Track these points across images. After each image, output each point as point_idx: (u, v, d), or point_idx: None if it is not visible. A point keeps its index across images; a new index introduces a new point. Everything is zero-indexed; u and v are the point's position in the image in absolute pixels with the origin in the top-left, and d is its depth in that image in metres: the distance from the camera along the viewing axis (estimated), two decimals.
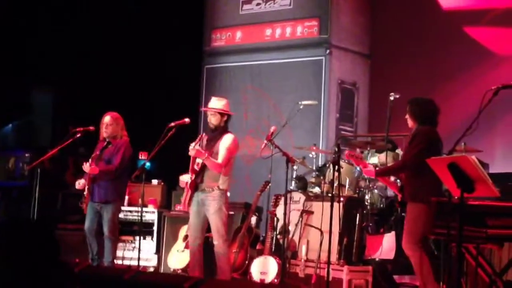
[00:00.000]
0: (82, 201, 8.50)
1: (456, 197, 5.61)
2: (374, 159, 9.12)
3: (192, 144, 7.67)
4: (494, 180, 5.57)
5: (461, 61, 11.00)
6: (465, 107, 9.65)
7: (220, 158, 7.74)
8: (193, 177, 7.76)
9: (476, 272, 6.46)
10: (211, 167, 7.71)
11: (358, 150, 9.08)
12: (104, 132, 8.49)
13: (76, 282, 5.40)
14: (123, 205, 9.69)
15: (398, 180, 7.79)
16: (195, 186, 7.79)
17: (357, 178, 8.79)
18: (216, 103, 7.96)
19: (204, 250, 7.97)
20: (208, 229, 7.90)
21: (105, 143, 8.47)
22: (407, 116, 7.11)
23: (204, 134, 8.06)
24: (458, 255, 5.55)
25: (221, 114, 7.90)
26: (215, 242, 7.77)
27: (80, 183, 8.46)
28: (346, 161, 8.63)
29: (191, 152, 7.68)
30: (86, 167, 8.27)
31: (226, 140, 7.82)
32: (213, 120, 7.89)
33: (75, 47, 12.10)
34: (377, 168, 7.35)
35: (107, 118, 8.51)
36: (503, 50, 10.69)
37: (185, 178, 7.87)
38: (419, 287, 6.91)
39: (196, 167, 7.75)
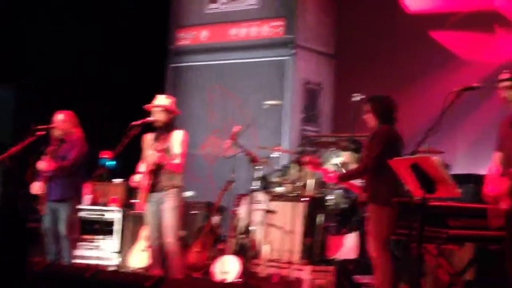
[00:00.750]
0: (39, 202, 8.42)
1: (417, 198, 5.63)
2: (337, 160, 9.14)
3: (150, 151, 7.56)
4: (456, 181, 5.61)
5: (425, 63, 11.07)
6: (428, 108, 9.71)
7: (177, 157, 7.65)
8: (148, 178, 7.65)
9: (436, 272, 6.51)
10: (172, 168, 7.63)
11: (316, 155, 9.07)
12: (57, 131, 8.43)
13: (36, 280, 5.35)
14: (81, 203, 9.62)
15: (359, 181, 7.81)
16: (151, 187, 7.69)
17: (320, 178, 8.79)
18: (162, 100, 7.85)
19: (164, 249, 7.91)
20: None
21: (59, 141, 8.41)
22: (366, 116, 7.08)
23: (146, 135, 7.90)
24: (419, 256, 5.57)
25: (167, 112, 7.77)
26: (168, 240, 7.64)
27: (35, 188, 8.37)
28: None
29: (154, 158, 7.56)
30: (42, 164, 8.19)
31: (177, 137, 7.70)
32: (160, 116, 7.71)
33: (38, 44, 11.98)
34: (338, 173, 7.35)
35: (59, 116, 8.45)
36: (465, 53, 10.78)
37: (139, 179, 7.76)
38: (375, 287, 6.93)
39: (152, 168, 7.64)
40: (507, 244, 5.61)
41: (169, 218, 7.64)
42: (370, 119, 7.01)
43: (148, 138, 7.77)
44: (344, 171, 8.73)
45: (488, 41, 10.52)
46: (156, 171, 7.63)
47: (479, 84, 5.72)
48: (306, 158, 7.24)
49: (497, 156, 5.77)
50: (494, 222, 5.62)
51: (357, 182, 7.63)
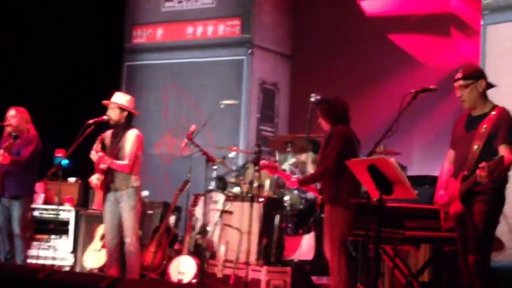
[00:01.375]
0: None
1: (374, 199, 5.65)
2: (294, 160, 9.15)
3: (93, 151, 7.50)
4: (412, 183, 5.64)
5: (382, 64, 11.14)
6: (384, 109, 9.75)
7: (127, 158, 7.58)
8: (102, 177, 7.58)
9: (393, 273, 6.55)
10: (119, 169, 7.56)
11: (272, 159, 9.06)
12: (9, 126, 8.33)
13: None
14: (36, 202, 9.51)
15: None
16: (106, 186, 7.63)
17: (277, 179, 8.79)
18: (118, 98, 7.77)
19: (121, 249, 7.84)
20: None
21: (12, 137, 8.32)
22: (319, 120, 7.11)
23: (105, 133, 7.82)
24: (376, 256, 5.59)
25: (121, 110, 7.69)
26: (127, 240, 7.60)
27: None
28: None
29: (93, 158, 7.51)
30: None
31: (130, 137, 7.64)
32: (112, 114, 7.65)
33: None
34: (299, 177, 7.36)
35: (11, 112, 8.40)
36: (422, 55, 10.87)
37: (95, 179, 7.68)
38: None
39: (103, 167, 7.57)
40: (458, 246, 5.65)
41: (127, 218, 7.59)
42: (323, 123, 7.06)
43: (100, 138, 7.67)
44: (298, 171, 8.75)
45: (444, 44, 10.62)
46: (110, 171, 7.56)
47: (435, 86, 5.76)
48: (264, 163, 7.23)
49: (450, 155, 5.81)
50: (445, 224, 5.66)
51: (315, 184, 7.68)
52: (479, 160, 5.29)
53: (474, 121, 5.61)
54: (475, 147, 5.44)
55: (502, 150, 5.39)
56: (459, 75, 5.64)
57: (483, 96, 5.63)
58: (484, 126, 5.48)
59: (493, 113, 5.53)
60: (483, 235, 5.42)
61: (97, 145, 7.56)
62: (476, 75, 5.64)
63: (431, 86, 5.67)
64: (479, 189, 5.37)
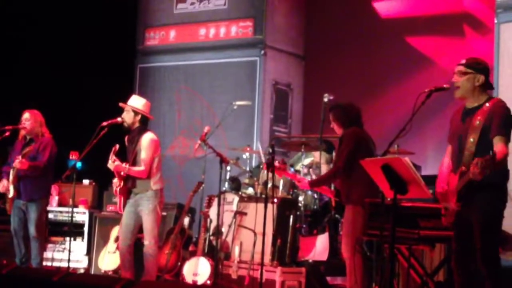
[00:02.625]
0: (4, 201, 8.36)
1: (389, 199, 5.62)
2: (307, 160, 9.13)
3: (110, 161, 7.53)
4: (427, 182, 5.60)
5: (395, 63, 11.11)
6: (398, 109, 9.74)
7: (143, 163, 7.60)
8: (122, 183, 7.62)
9: (408, 273, 6.53)
10: (136, 175, 7.59)
11: (281, 160, 9.03)
12: (23, 129, 8.36)
13: (2, 284, 5.26)
14: (50, 205, 9.54)
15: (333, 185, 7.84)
16: (127, 192, 7.67)
17: (291, 179, 8.78)
18: (134, 101, 7.80)
19: (136, 251, 7.85)
20: (140, 230, 7.77)
21: (26, 140, 8.35)
22: (332, 125, 7.14)
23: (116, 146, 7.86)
24: (391, 256, 5.56)
25: (135, 113, 7.72)
26: (146, 242, 7.65)
27: (1, 186, 8.30)
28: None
29: (111, 167, 7.55)
30: (16, 162, 8.12)
31: (145, 142, 7.66)
32: (126, 117, 7.71)
33: (7, 44, 11.83)
34: (310, 179, 7.39)
35: (26, 115, 8.42)
36: (435, 54, 10.83)
37: (116, 182, 7.73)
38: None
39: (122, 173, 7.61)
40: (454, 244, 5.61)
41: (146, 220, 7.62)
42: (336, 128, 7.09)
43: (114, 149, 7.69)
44: (312, 172, 8.74)
45: (458, 42, 10.59)
46: (129, 175, 7.60)
47: (449, 85, 5.71)
48: (276, 164, 7.23)
49: (449, 149, 5.76)
50: (445, 220, 5.61)
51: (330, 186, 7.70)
52: (476, 154, 5.23)
53: (469, 114, 5.51)
54: (471, 140, 5.36)
55: (496, 142, 5.31)
56: (462, 61, 5.59)
57: (479, 90, 5.50)
58: (478, 118, 5.39)
59: (487, 105, 5.43)
60: (487, 235, 5.35)
61: (112, 156, 7.58)
62: (478, 67, 5.53)
63: (444, 85, 5.61)
64: (479, 186, 5.32)
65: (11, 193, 8.27)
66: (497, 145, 5.29)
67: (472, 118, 5.45)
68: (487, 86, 5.57)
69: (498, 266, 5.42)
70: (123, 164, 7.56)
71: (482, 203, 5.35)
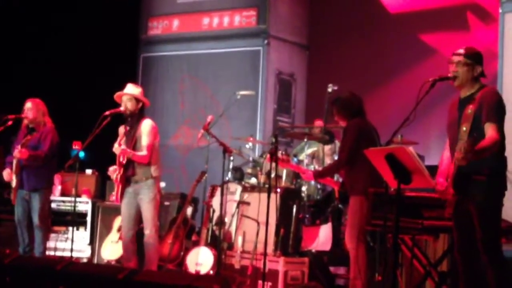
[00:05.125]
0: (9, 192, 8.36)
1: (393, 189, 5.61)
2: (310, 150, 9.12)
3: (116, 144, 7.55)
4: (430, 172, 5.59)
5: (398, 53, 11.09)
6: (402, 98, 9.72)
7: (144, 149, 7.62)
8: (122, 170, 7.63)
9: (411, 263, 6.51)
10: (138, 160, 7.61)
11: (285, 150, 9.01)
12: (26, 119, 8.35)
13: (5, 273, 5.26)
14: (53, 194, 9.53)
15: (336, 176, 7.83)
16: (126, 179, 7.67)
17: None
18: (132, 89, 7.83)
19: (138, 240, 7.85)
20: (140, 219, 7.77)
21: (28, 129, 8.34)
22: (336, 117, 7.15)
23: (120, 128, 7.87)
24: (394, 246, 5.55)
25: (137, 100, 7.75)
26: (146, 232, 7.66)
27: (6, 175, 8.31)
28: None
29: (116, 152, 7.56)
30: (16, 152, 8.11)
31: (145, 128, 7.70)
32: (129, 105, 7.72)
33: (7, 32, 11.81)
34: (314, 170, 7.40)
35: (28, 104, 8.40)
36: (439, 44, 10.80)
37: (112, 170, 7.73)
38: (350, 279, 6.93)
39: (122, 160, 7.62)
40: (454, 234, 5.60)
41: (146, 210, 7.63)
42: (340, 120, 7.11)
43: (122, 131, 7.75)
44: (315, 162, 8.73)
45: (462, 32, 10.55)
46: (130, 163, 7.60)
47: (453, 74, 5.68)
48: (279, 156, 7.24)
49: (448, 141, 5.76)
50: (447, 210, 5.61)
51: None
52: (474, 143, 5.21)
53: (463, 103, 5.52)
54: (463, 129, 5.35)
55: (486, 128, 5.31)
56: (461, 51, 5.58)
57: (474, 80, 5.54)
58: (470, 107, 5.39)
59: (479, 93, 5.45)
60: (486, 224, 5.34)
61: (121, 138, 7.60)
62: (477, 58, 5.57)
63: (449, 75, 5.61)
64: (476, 175, 5.31)
65: (14, 183, 8.27)
66: (487, 131, 5.31)
67: (465, 107, 5.44)
68: (482, 75, 5.59)
69: (500, 254, 5.41)
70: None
71: (479, 191, 5.36)
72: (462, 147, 5.04)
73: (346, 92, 7.23)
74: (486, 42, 9.82)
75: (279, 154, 7.27)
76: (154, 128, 7.79)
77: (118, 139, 7.64)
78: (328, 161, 8.97)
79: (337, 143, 8.97)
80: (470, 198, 5.38)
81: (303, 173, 7.45)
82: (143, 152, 7.62)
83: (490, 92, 5.49)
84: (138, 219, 7.73)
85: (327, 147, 9.09)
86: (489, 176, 5.36)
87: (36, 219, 8.26)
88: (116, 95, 7.79)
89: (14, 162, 8.26)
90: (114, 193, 7.98)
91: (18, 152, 8.12)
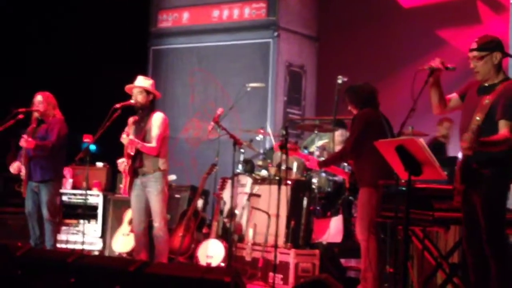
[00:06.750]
0: (19, 184, 8.39)
1: (403, 180, 5.59)
2: (320, 142, 9.10)
3: (124, 134, 7.55)
4: (441, 164, 5.56)
5: (409, 43, 11.05)
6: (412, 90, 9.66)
7: (154, 141, 7.62)
8: (130, 162, 7.63)
9: (422, 255, 6.49)
10: (147, 152, 7.60)
11: (294, 140, 9.00)
12: (37, 112, 8.36)
13: (17, 266, 5.28)
14: (64, 187, 9.56)
15: (346, 166, 7.82)
16: (134, 171, 7.67)
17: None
18: (143, 81, 7.83)
19: (149, 233, 7.86)
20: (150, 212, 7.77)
21: (38, 122, 8.36)
22: (349, 107, 7.15)
23: (130, 118, 7.88)
24: (405, 238, 5.54)
25: (147, 93, 7.75)
26: (155, 224, 7.66)
27: (14, 167, 8.32)
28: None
29: (124, 142, 7.56)
30: (22, 141, 8.13)
31: (156, 120, 7.71)
32: (139, 98, 7.72)
33: (16, 26, 11.83)
34: (318, 160, 7.39)
35: (38, 97, 8.43)
36: (449, 33, 10.76)
37: (123, 162, 7.74)
38: (361, 271, 6.92)
39: (130, 152, 7.62)
40: (463, 225, 5.58)
41: (155, 202, 7.63)
42: (352, 109, 7.10)
43: (131, 121, 7.76)
44: (326, 154, 8.71)
45: (473, 22, 10.51)
46: (138, 155, 7.60)
47: (455, 65, 5.62)
48: (275, 144, 7.25)
49: (452, 96, 5.73)
50: (456, 200, 5.58)
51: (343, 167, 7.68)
52: (481, 134, 5.18)
53: (483, 91, 5.47)
54: (477, 118, 5.29)
55: (501, 125, 5.27)
56: (474, 45, 5.51)
57: (497, 68, 5.46)
58: (488, 98, 5.34)
59: (500, 86, 5.41)
60: (490, 216, 5.32)
61: (129, 128, 7.62)
62: (491, 46, 5.47)
63: (448, 65, 5.55)
64: (481, 167, 5.29)
65: (23, 175, 8.29)
66: (501, 128, 5.27)
67: (483, 96, 5.40)
68: (505, 57, 5.51)
69: (504, 246, 5.39)
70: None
71: (484, 182, 5.33)
72: (468, 137, 5.02)
73: (360, 82, 7.23)
74: (499, 32, 9.76)
75: (290, 143, 7.28)
76: (165, 120, 7.79)
77: (126, 128, 7.64)
78: (338, 148, 8.93)
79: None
80: (475, 189, 5.36)
81: (307, 161, 7.44)
82: (152, 144, 7.62)
83: (511, 87, 5.41)
84: (148, 212, 7.74)
85: (337, 136, 9.04)
86: (494, 168, 5.33)
87: (45, 212, 8.27)
88: (127, 88, 7.80)
89: (23, 153, 8.28)
90: (122, 185, 7.98)
91: (24, 141, 8.13)
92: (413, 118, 5.53)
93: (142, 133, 7.66)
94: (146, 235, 7.77)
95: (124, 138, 7.56)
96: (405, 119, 5.54)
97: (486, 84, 5.49)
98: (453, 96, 5.73)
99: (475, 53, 5.48)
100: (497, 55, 5.46)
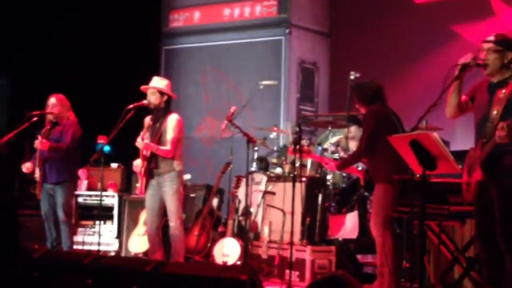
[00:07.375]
0: (34, 187, 8.41)
1: (418, 175, 5.58)
2: (334, 139, 9.09)
3: (139, 138, 7.56)
4: (456, 158, 5.55)
5: (422, 39, 11.00)
6: (424, 85, 9.67)
7: (169, 144, 7.63)
8: (145, 163, 7.64)
9: (438, 249, 6.48)
10: (162, 155, 7.62)
11: (307, 142, 8.97)
12: (51, 114, 8.38)
13: (34, 268, 5.30)
14: (79, 189, 9.59)
15: (359, 165, 7.81)
16: (149, 172, 7.68)
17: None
18: (158, 82, 7.83)
19: (164, 233, 7.88)
20: (165, 212, 7.79)
21: (52, 125, 8.39)
22: (357, 105, 7.14)
23: (146, 118, 7.89)
24: (421, 233, 5.52)
25: (161, 94, 7.74)
26: (171, 224, 7.67)
27: (27, 167, 8.34)
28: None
29: (139, 146, 7.57)
30: (37, 143, 8.16)
31: (171, 122, 7.70)
32: (152, 99, 7.71)
33: (32, 30, 11.87)
34: (336, 162, 7.40)
35: (52, 100, 8.43)
36: (462, 27, 10.71)
37: (139, 164, 7.76)
38: (377, 267, 6.91)
39: (146, 153, 7.64)
40: (476, 219, 5.55)
41: (170, 202, 7.64)
42: (360, 107, 7.09)
43: (147, 124, 7.76)
44: (340, 150, 8.70)
45: (486, 15, 10.45)
46: (153, 157, 7.62)
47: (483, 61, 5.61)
48: (290, 148, 7.25)
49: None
50: (467, 195, 5.55)
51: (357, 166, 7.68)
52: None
53: (494, 87, 5.47)
54: (494, 112, 5.30)
55: None
56: (491, 38, 5.52)
57: (505, 66, 5.48)
58: (503, 91, 5.34)
59: None
60: (506, 208, 5.28)
61: (144, 132, 7.62)
62: (508, 44, 5.50)
63: (478, 62, 5.53)
64: (503, 157, 5.26)
65: (37, 177, 8.32)
66: None
67: (496, 92, 5.39)
68: None
69: None
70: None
71: (505, 174, 5.30)
72: (506, 126, 5.01)
73: (366, 79, 7.23)
74: (510, 24, 9.75)
75: (303, 144, 7.28)
76: (180, 122, 7.78)
77: (142, 133, 7.64)
78: (352, 144, 8.89)
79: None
80: (495, 181, 5.33)
81: (325, 164, 7.46)
82: (167, 147, 7.63)
83: None
84: (162, 212, 7.75)
85: (351, 134, 9.03)
86: None
87: (61, 214, 8.29)
88: (142, 88, 7.80)
89: (37, 155, 8.31)
90: (138, 185, 7.99)
91: (38, 142, 8.15)
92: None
93: (157, 135, 7.66)
94: (159, 234, 7.78)
95: (139, 143, 7.56)
96: (424, 114, 5.52)
97: (495, 81, 5.49)
98: (465, 99, 5.73)
99: (491, 45, 5.48)
100: (509, 55, 5.48)
